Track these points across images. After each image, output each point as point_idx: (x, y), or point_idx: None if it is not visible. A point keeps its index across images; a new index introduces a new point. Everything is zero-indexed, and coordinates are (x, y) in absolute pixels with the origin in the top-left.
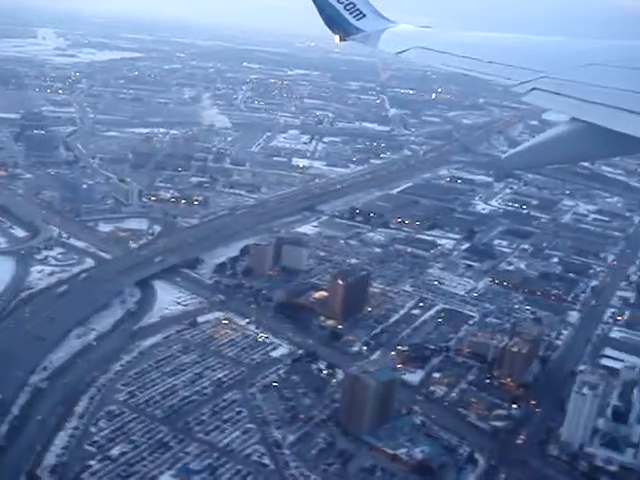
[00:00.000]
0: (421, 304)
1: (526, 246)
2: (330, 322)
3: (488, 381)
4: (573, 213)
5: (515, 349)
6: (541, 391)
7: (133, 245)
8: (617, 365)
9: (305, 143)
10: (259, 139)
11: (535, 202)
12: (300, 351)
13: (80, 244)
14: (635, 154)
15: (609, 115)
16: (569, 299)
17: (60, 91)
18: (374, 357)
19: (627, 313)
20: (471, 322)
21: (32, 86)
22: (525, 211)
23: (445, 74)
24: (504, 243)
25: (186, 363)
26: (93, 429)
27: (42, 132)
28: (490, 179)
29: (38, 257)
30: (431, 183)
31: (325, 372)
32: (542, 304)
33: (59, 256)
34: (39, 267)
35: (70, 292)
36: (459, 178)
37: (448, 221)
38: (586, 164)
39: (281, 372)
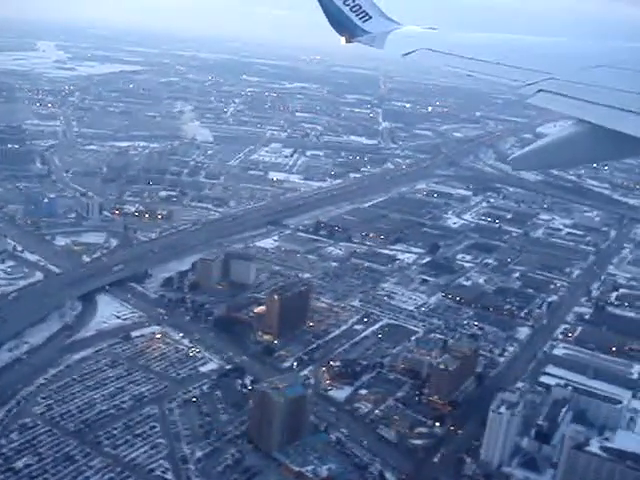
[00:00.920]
0: (365, 319)
1: (490, 261)
2: (267, 337)
3: (417, 398)
4: (547, 227)
5: (442, 366)
6: (472, 409)
7: (86, 259)
8: (560, 382)
9: (286, 157)
10: (240, 153)
11: (509, 216)
12: (228, 366)
13: (33, 257)
14: None
15: (615, 117)
16: (522, 315)
17: (50, 104)
18: (304, 372)
19: (579, 329)
20: (413, 338)
21: (22, 99)
22: (497, 225)
23: (445, 87)
24: (467, 257)
25: (110, 377)
26: (3, 441)
27: (16, 146)
28: (469, 193)
29: None
30: (406, 197)
31: (249, 388)
32: (492, 320)
33: (8, 269)
34: None
35: (10, 305)
36: (436, 192)
37: (414, 235)
38: (571, 177)
39: (205, 387)
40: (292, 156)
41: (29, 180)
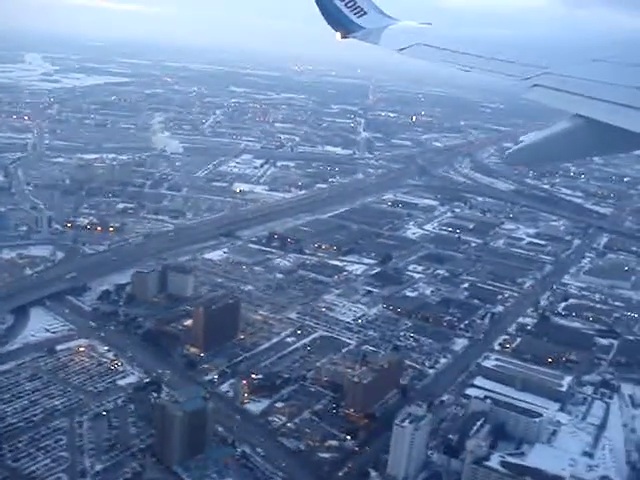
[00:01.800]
0: (299, 332)
1: (441, 271)
2: (193, 350)
3: (334, 411)
4: (508, 237)
5: (356, 380)
6: (389, 422)
7: (28, 272)
8: (487, 395)
9: (256, 168)
10: (209, 164)
11: (472, 226)
12: (147, 379)
13: None
14: (636, 150)
15: (611, 111)
16: (462, 326)
17: (26, 117)
18: (224, 386)
19: (518, 340)
20: (344, 350)
21: None
22: (457, 235)
23: (435, 96)
24: (419, 268)
25: (27, 390)
26: None
27: None
28: (435, 203)
29: None
30: (369, 207)
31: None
32: (429, 331)
33: None
34: None
35: None
36: (402, 202)
37: (369, 246)
38: (545, 186)
39: (120, 400)
40: (262, 167)
41: None
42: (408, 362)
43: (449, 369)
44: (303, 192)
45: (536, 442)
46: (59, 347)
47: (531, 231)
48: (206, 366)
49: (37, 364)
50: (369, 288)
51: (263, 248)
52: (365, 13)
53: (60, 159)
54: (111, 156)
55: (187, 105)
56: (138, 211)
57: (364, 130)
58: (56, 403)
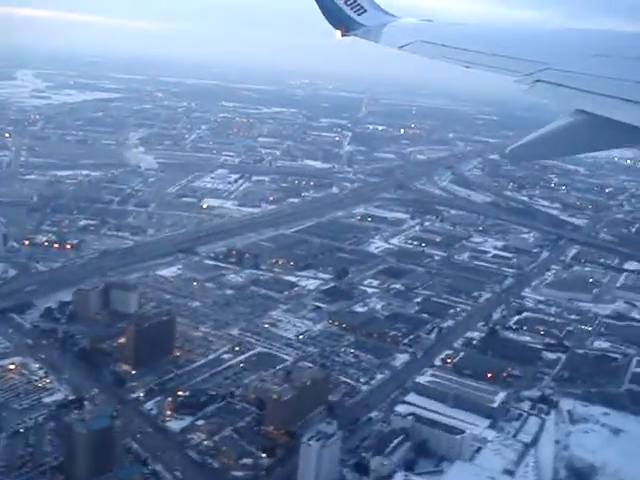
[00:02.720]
0: (237, 348)
1: (397, 286)
2: (125, 367)
3: (255, 429)
4: (473, 250)
5: (275, 397)
6: None
7: None
8: (416, 411)
9: (230, 183)
10: (183, 180)
11: (439, 239)
12: (71, 397)
13: None
14: (639, 144)
15: (613, 106)
16: (406, 341)
17: (7, 134)
18: (149, 404)
19: (460, 355)
20: (279, 367)
21: None
22: (421, 249)
23: (429, 108)
24: (375, 283)
25: None
26: None
27: None
28: (406, 216)
29: None
30: (336, 222)
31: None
32: (371, 347)
33: None
34: None
35: None
36: (372, 216)
37: (327, 261)
38: (523, 198)
39: (41, 418)
40: (236, 182)
41: None
42: (343, 378)
43: (384, 385)
44: (272, 207)
45: (457, 460)
46: None
47: (499, 244)
48: (134, 384)
49: None
50: (318, 304)
51: (219, 264)
52: (365, 11)
53: (33, 176)
54: (84, 172)
55: (173, 120)
56: (100, 228)
57: (349, 144)
58: None
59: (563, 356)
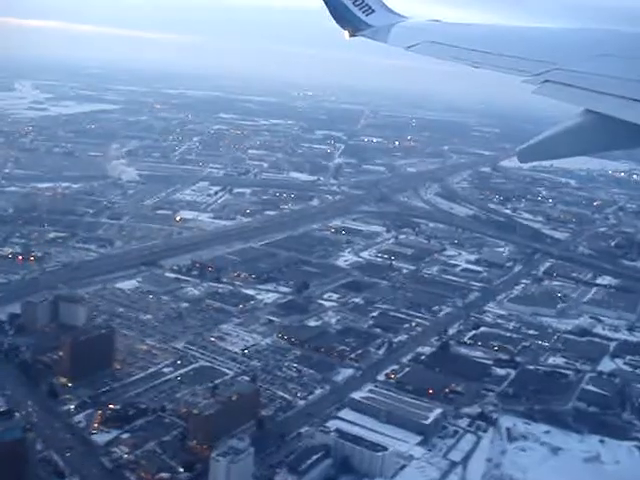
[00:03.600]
0: (179, 362)
1: (357, 300)
2: (62, 380)
3: (180, 443)
4: (443, 264)
5: (196, 411)
6: None
7: None
8: (346, 427)
9: (210, 195)
10: (163, 192)
11: (410, 252)
12: (2, 409)
13: None
14: None
15: (623, 106)
16: (353, 356)
17: None
18: (79, 416)
19: (406, 370)
20: (219, 381)
21: None
22: (389, 263)
23: (429, 120)
24: (334, 297)
25: None
26: None
27: None
28: (382, 229)
29: None
30: (309, 234)
31: None
32: (315, 361)
33: None
34: None
35: None
36: (346, 229)
37: (290, 274)
38: (506, 211)
39: None
40: (216, 194)
41: None
42: (281, 393)
43: (321, 400)
44: (247, 220)
45: (378, 477)
46: None
47: (472, 257)
48: (68, 396)
49: None
50: (272, 317)
51: (181, 277)
52: (373, 11)
53: (13, 188)
54: (65, 185)
55: (166, 132)
56: (68, 240)
57: (339, 156)
58: None
59: (513, 372)
